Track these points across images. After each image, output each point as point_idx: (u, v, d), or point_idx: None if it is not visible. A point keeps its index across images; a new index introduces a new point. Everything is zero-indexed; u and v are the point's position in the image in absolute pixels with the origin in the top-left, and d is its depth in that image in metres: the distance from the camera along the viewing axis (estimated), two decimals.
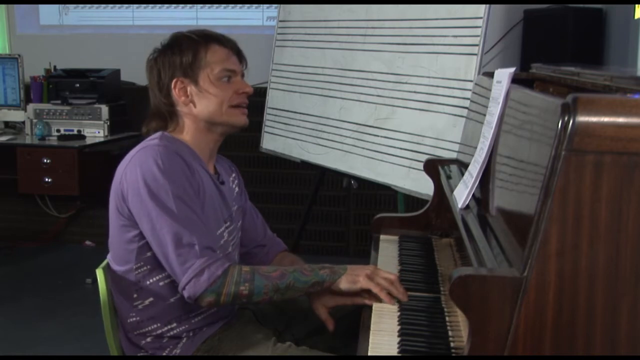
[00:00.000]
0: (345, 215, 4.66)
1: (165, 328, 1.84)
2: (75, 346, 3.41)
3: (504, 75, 1.63)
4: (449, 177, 2.08)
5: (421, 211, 2.27)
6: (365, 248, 2.34)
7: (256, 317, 2.01)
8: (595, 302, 1.13)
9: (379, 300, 1.71)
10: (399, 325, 1.57)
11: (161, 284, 1.81)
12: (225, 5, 4.99)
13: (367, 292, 1.74)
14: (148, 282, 1.82)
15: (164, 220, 1.69)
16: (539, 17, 4.06)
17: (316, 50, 3.56)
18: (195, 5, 5.02)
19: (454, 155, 2.39)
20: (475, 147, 1.74)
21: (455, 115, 2.74)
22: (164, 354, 1.84)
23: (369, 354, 1.46)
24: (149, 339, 1.85)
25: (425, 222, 2.25)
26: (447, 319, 1.59)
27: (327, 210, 4.66)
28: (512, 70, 1.62)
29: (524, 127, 1.38)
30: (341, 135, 3.35)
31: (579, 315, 1.14)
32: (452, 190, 1.86)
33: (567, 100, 1.13)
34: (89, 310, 3.73)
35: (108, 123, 4.42)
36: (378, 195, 4.49)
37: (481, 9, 2.72)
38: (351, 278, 1.73)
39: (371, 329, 1.57)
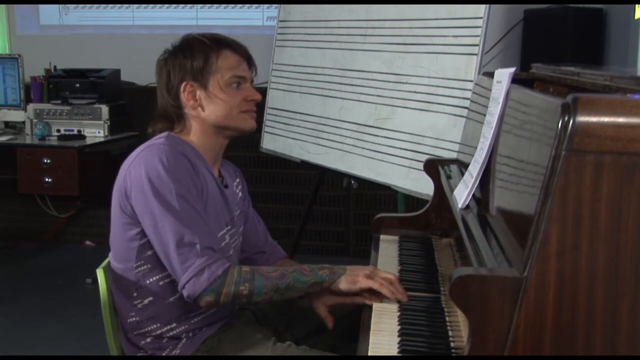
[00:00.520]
0: (345, 215, 4.66)
1: (165, 328, 1.84)
2: (75, 346, 3.41)
3: (504, 75, 1.63)
4: (449, 177, 2.08)
5: (421, 211, 2.27)
6: (365, 248, 2.34)
7: (256, 317, 2.01)
8: (595, 302, 1.13)
9: (379, 300, 1.71)
10: (399, 325, 1.57)
11: (161, 283, 1.81)
12: (225, 5, 4.99)
13: (367, 292, 1.74)
14: (148, 281, 1.82)
15: (166, 219, 1.69)
16: (539, 17, 4.06)
17: (316, 50, 3.56)
18: (195, 5, 5.01)
19: (454, 155, 2.39)
20: (476, 147, 1.74)
21: (456, 115, 2.74)
22: (164, 355, 1.84)
23: (369, 354, 1.46)
24: (148, 340, 1.85)
25: (425, 222, 2.25)
26: (447, 319, 1.59)
27: (327, 210, 4.66)
28: (512, 70, 1.62)
29: (524, 127, 1.38)
30: (341, 135, 3.35)
31: (579, 315, 1.14)
32: (452, 190, 1.86)
33: (567, 100, 1.13)
34: (89, 310, 3.73)
35: (108, 123, 4.42)
36: (378, 195, 4.49)
37: (481, 9, 2.72)
38: (351, 278, 1.73)
39: (371, 329, 1.57)
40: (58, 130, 4.44)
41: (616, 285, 1.12)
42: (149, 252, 1.78)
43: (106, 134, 4.43)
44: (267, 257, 2.11)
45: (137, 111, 4.77)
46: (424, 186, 2.64)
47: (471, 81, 2.67)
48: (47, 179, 4.15)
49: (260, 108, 3.93)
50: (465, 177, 1.79)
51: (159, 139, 1.83)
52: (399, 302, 1.69)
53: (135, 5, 5.11)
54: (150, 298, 1.83)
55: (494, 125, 1.61)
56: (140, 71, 4.81)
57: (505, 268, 1.24)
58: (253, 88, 1.92)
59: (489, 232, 1.48)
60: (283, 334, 1.97)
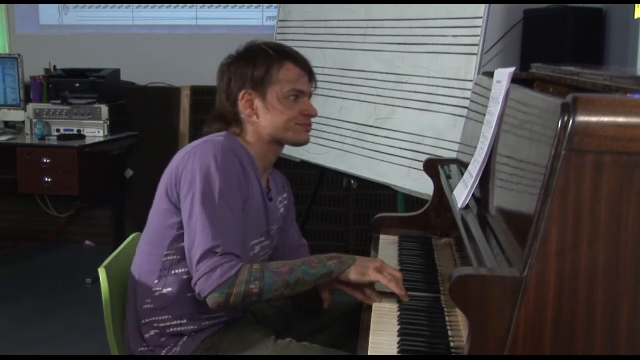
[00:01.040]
0: (345, 215, 4.66)
1: (174, 322, 1.85)
2: (75, 346, 3.41)
3: (504, 75, 1.63)
4: (449, 177, 2.08)
5: (421, 211, 2.27)
6: (366, 248, 2.34)
7: (256, 318, 2.01)
8: (596, 302, 1.13)
9: (379, 299, 1.71)
10: (399, 325, 1.57)
11: (185, 277, 1.82)
12: (225, 5, 4.99)
13: (369, 288, 1.74)
14: (173, 272, 1.83)
15: (200, 215, 1.71)
16: (539, 17, 4.05)
17: (316, 50, 3.56)
18: (195, 5, 5.01)
19: (454, 155, 2.39)
20: (475, 147, 1.74)
21: (455, 115, 2.74)
22: (163, 353, 1.84)
23: (369, 353, 1.46)
24: (152, 333, 1.85)
25: (425, 222, 2.25)
26: (447, 318, 1.59)
27: (327, 210, 4.66)
28: (512, 70, 1.62)
29: (524, 127, 1.38)
30: (341, 135, 3.35)
31: (579, 315, 1.14)
32: (452, 190, 1.87)
33: (567, 100, 1.13)
34: (89, 310, 3.74)
35: (108, 123, 4.42)
36: (378, 195, 4.49)
37: (481, 9, 2.72)
38: (360, 270, 1.74)
39: (371, 328, 1.57)
40: (58, 130, 4.44)
41: (616, 285, 1.12)
42: (182, 244, 1.79)
43: (106, 133, 4.42)
44: (296, 256, 2.10)
45: (137, 111, 4.78)
46: (424, 186, 2.64)
47: (471, 81, 2.67)
48: (47, 179, 4.15)
49: None
50: (465, 177, 1.80)
51: (219, 136, 1.85)
52: (399, 302, 1.69)
53: (135, 5, 5.10)
54: (170, 289, 1.84)
55: (493, 125, 1.61)
56: (140, 71, 4.83)
57: (505, 268, 1.24)
58: (311, 103, 1.94)
59: (488, 232, 1.48)
60: (283, 334, 1.97)
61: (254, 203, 1.86)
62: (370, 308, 1.69)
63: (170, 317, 1.85)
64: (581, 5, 3.98)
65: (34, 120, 4.45)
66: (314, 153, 3.51)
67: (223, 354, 1.82)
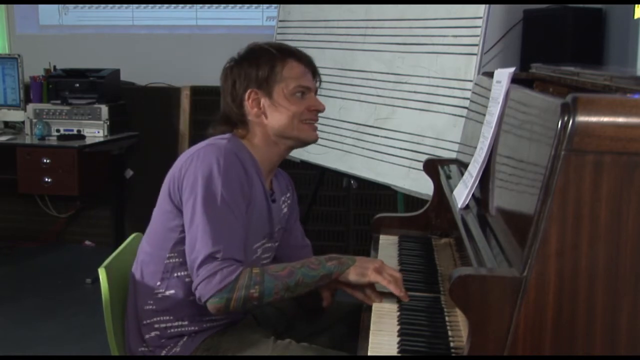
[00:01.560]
0: (345, 215, 4.66)
1: (176, 323, 1.85)
2: (74, 346, 3.41)
3: (503, 75, 1.63)
4: (448, 177, 2.08)
5: (421, 211, 2.27)
6: (365, 248, 2.34)
7: (257, 319, 2.01)
8: (595, 302, 1.13)
9: (379, 300, 1.71)
10: (398, 325, 1.57)
11: (187, 279, 1.82)
12: (225, 5, 4.99)
13: (369, 288, 1.74)
14: (175, 274, 1.83)
15: (202, 219, 1.71)
16: (538, 17, 4.05)
17: (316, 50, 3.55)
18: (195, 5, 5.01)
19: (453, 155, 2.39)
20: (475, 147, 1.74)
21: (455, 115, 2.74)
22: (163, 354, 1.84)
23: (369, 353, 1.46)
24: (153, 334, 1.85)
25: (425, 222, 2.25)
26: (446, 318, 1.59)
27: (327, 210, 4.66)
28: (511, 70, 1.62)
29: (524, 127, 1.38)
30: (341, 135, 3.35)
31: (578, 315, 1.14)
32: (451, 190, 1.87)
33: (567, 100, 1.13)
34: (89, 310, 3.74)
35: (108, 123, 4.42)
36: (378, 195, 4.49)
37: (481, 9, 2.72)
38: (360, 271, 1.74)
39: (371, 328, 1.57)
40: (58, 130, 4.44)
41: (616, 285, 1.12)
42: (184, 247, 1.79)
43: (106, 133, 4.42)
44: (299, 256, 2.10)
45: (137, 111, 4.77)
46: (423, 186, 2.64)
47: (471, 81, 2.67)
48: (46, 179, 4.15)
49: None
50: (464, 177, 1.80)
51: (222, 139, 1.84)
52: (398, 302, 1.69)
53: (135, 5, 5.10)
54: (172, 291, 1.84)
55: (493, 125, 1.61)
56: (140, 71, 4.83)
57: (505, 268, 1.24)
58: (317, 98, 1.94)
59: (488, 232, 1.48)
60: (283, 335, 1.97)
61: (257, 206, 1.85)
62: (370, 308, 1.69)
63: (171, 318, 1.85)
64: (581, 5, 3.98)
65: (34, 120, 4.45)
66: (313, 153, 3.51)
67: (222, 354, 1.82)
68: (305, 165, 3.66)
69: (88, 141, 4.31)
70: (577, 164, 1.12)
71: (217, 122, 1.95)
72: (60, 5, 5.21)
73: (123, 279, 1.95)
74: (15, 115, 4.63)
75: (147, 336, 1.86)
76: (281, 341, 1.82)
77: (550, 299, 1.14)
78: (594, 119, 1.11)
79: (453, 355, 1.43)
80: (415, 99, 2.96)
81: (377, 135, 3.13)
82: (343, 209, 4.66)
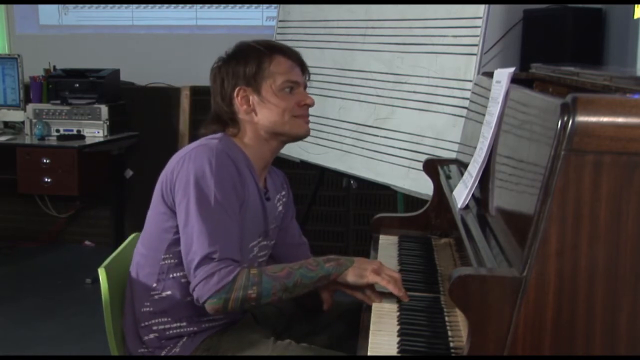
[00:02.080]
0: (345, 215, 4.66)
1: (174, 325, 1.85)
2: (74, 346, 3.41)
3: (503, 75, 1.63)
4: (448, 177, 2.08)
5: (421, 211, 2.27)
6: (365, 248, 2.34)
7: (255, 318, 2.01)
8: (595, 301, 1.13)
9: (379, 299, 1.71)
10: (398, 325, 1.57)
11: (183, 280, 1.82)
12: (225, 5, 4.99)
13: (369, 288, 1.74)
14: (171, 275, 1.83)
15: (196, 220, 1.71)
16: (538, 17, 4.06)
17: (316, 50, 3.56)
18: (195, 5, 5.01)
19: (453, 155, 2.39)
20: (475, 147, 1.74)
21: (455, 115, 2.74)
22: (163, 354, 1.84)
23: (369, 354, 1.46)
24: (152, 336, 1.85)
25: (425, 222, 2.25)
26: (446, 319, 1.59)
27: (327, 210, 4.66)
28: (511, 70, 1.62)
29: (524, 127, 1.38)
30: (340, 135, 3.35)
31: (578, 315, 1.14)
32: (451, 190, 1.86)
33: (567, 100, 1.13)
34: (89, 310, 3.74)
35: (107, 123, 4.42)
36: (377, 195, 4.49)
37: (481, 9, 2.72)
38: (358, 272, 1.74)
39: (371, 328, 1.57)
40: (57, 130, 4.44)
41: (616, 285, 1.12)
42: (179, 248, 1.79)
43: (105, 134, 4.42)
44: (296, 254, 2.10)
45: (137, 111, 4.77)
46: (423, 186, 2.64)
47: (470, 81, 2.67)
48: (46, 179, 4.15)
49: None
50: (464, 177, 1.80)
51: (214, 139, 1.84)
52: (398, 302, 1.69)
53: (135, 5, 5.11)
54: (169, 292, 1.84)
55: (493, 125, 1.61)
56: (140, 71, 4.83)
57: (505, 268, 1.24)
58: (306, 93, 1.94)
59: (488, 232, 1.48)
60: (282, 335, 1.97)
61: (251, 205, 1.85)
62: (369, 308, 1.69)
63: (169, 319, 1.85)
64: (581, 5, 3.98)
65: (34, 121, 4.45)
66: (313, 153, 3.51)
67: (222, 354, 1.82)
68: (305, 165, 3.66)
69: (88, 141, 4.31)
70: (576, 164, 1.12)
71: (208, 122, 1.95)
72: (60, 5, 5.21)
73: (123, 279, 1.95)
74: (15, 115, 4.63)
75: (145, 338, 1.86)
76: (281, 342, 1.82)
77: (550, 299, 1.14)
78: (593, 119, 1.11)
79: (453, 355, 1.43)
80: (414, 99, 2.96)
81: (377, 135, 3.13)
82: (343, 209, 4.66)
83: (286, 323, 2.04)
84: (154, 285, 1.85)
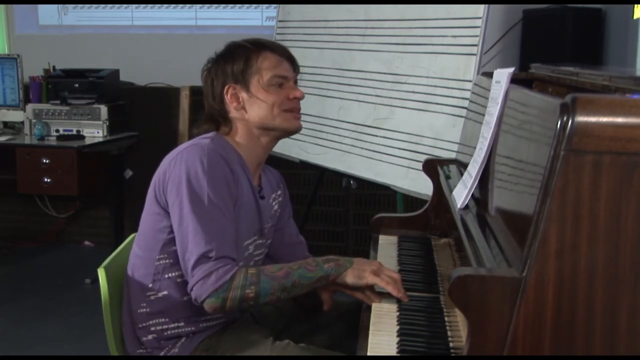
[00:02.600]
0: (345, 216, 4.66)
1: (172, 325, 1.84)
2: (74, 346, 3.41)
3: (503, 75, 1.63)
4: (448, 177, 2.08)
5: (420, 211, 2.26)
6: (365, 248, 2.34)
7: (254, 318, 2.01)
8: (595, 302, 1.13)
9: (378, 299, 1.71)
10: (398, 325, 1.57)
11: (179, 280, 1.82)
12: (224, 5, 4.99)
13: (369, 289, 1.74)
14: (166, 275, 1.83)
15: (191, 219, 1.71)
16: (538, 17, 4.05)
17: (315, 50, 3.56)
18: (194, 5, 5.01)
19: (453, 156, 2.39)
20: (475, 147, 1.74)
21: (454, 115, 2.74)
22: (162, 354, 1.84)
23: (368, 354, 1.46)
24: (150, 337, 1.85)
25: (425, 222, 2.25)
26: (446, 319, 1.59)
27: (326, 211, 4.66)
28: (511, 70, 1.62)
29: (523, 127, 1.38)
30: (340, 135, 3.35)
31: (578, 315, 1.14)
32: (451, 191, 1.86)
33: (566, 100, 1.13)
34: (88, 310, 3.74)
35: (107, 123, 4.42)
36: (377, 195, 4.49)
37: (480, 9, 2.72)
38: (357, 273, 1.74)
39: (370, 329, 1.57)
40: (57, 131, 4.44)
41: (615, 285, 1.12)
42: (174, 247, 1.79)
43: (105, 134, 4.42)
44: (294, 253, 2.10)
45: (136, 111, 4.77)
46: (423, 186, 2.64)
47: (470, 81, 2.66)
48: (46, 179, 4.15)
49: None
50: (464, 177, 1.79)
51: (205, 138, 1.84)
52: (398, 302, 1.69)
53: (134, 6, 5.11)
54: (165, 292, 1.84)
55: (492, 125, 1.61)
56: (140, 71, 4.82)
57: (504, 268, 1.24)
58: (296, 87, 1.94)
59: (488, 232, 1.48)
60: (281, 334, 1.97)
61: (245, 203, 1.85)
62: (369, 308, 1.69)
63: (167, 320, 1.84)
64: (580, 5, 3.98)
65: (33, 121, 4.45)
66: (312, 153, 3.51)
67: (221, 354, 1.82)
68: (305, 165, 3.66)
69: (87, 141, 4.31)
70: (576, 164, 1.12)
71: (200, 122, 1.95)
72: (59, 5, 5.21)
73: (122, 279, 1.95)
74: (14, 116, 4.63)
75: (144, 339, 1.86)
76: (280, 342, 1.82)
77: (549, 299, 1.14)
78: (593, 119, 1.11)
79: (452, 355, 1.43)
80: (414, 99, 2.96)
81: (376, 136, 3.13)
82: (342, 209, 4.66)
83: (285, 323, 2.04)
84: (150, 285, 1.85)
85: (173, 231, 1.78)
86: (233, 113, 1.90)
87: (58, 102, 4.45)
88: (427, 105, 2.89)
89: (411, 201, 3.13)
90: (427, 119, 2.88)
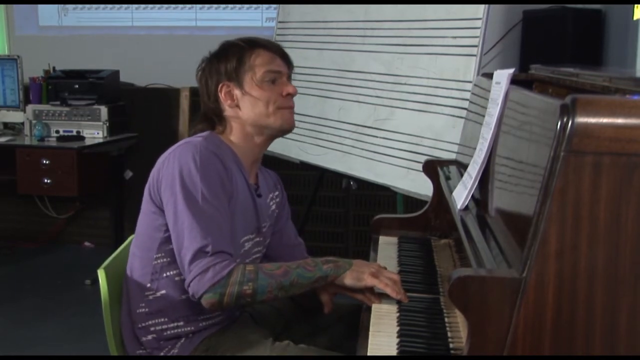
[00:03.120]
0: (345, 216, 4.66)
1: (171, 325, 1.84)
2: (73, 347, 3.41)
3: (503, 76, 1.63)
4: (448, 178, 2.08)
5: (420, 212, 2.27)
6: (365, 249, 2.34)
7: (254, 319, 2.01)
8: (595, 302, 1.13)
9: (378, 300, 1.71)
10: (398, 326, 1.57)
11: (176, 279, 1.82)
12: (224, 6, 4.99)
13: (368, 290, 1.74)
14: (164, 274, 1.83)
15: (186, 216, 1.71)
16: (538, 17, 4.05)
17: (315, 50, 3.56)
18: (195, 6, 5.01)
19: (453, 156, 2.39)
20: (474, 148, 1.74)
21: (454, 116, 2.74)
22: (162, 354, 1.84)
23: (368, 354, 1.46)
24: (149, 337, 1.85)
25: (425, 223, 2.25)
26: (446, 319, 1.59)
27: (326, 211, 4.66)
28: (511, 71, 1.62)
29: (523, 128, 1.38)
30: (340, 136, 3.35)
31: (578, 316, 1.14)
32: (451, 191, 1.86)
33: (566, 101, 1.13)
34: (88, 311, 3.74)
35: (107, 124, 4.42)
36: (377, 196, 4.48)
37: (480, 10, 2.72)
38: (356, 275, 1.74)
39: (370, 329, 1.57)
40: (57, 131, 4.44)
41: (615, 286, 1.12)
42: (171, 246, 1.79)
43: (105, 135, 4.42)
44: (293, 255, 2.10)
45: (136, 112, 4.77)
46: (423, 187, 2.64)
47: (470, 82, 2.66)
48: (46, 180, 4.15)
49: None
50: (464, 178, 1.80)
51: (198, 137, 1.85)
52: (398, 303, 1.69)
53: (134, 7, 5.11)
54: (164, 291, 1.84)
55: (492, 126, 1.61)
56: (140, 72, 4.82)
57: (504, 269, 1.24)
58: (289, 83, 1.94)
59: (488, 233, 1.48)
60: (281, 335, 1.97)
61: (241, 199, 1.85)
62: (369, 309, 1.69)
63: (166, 319, 1.85)
64: (580, 6, 3.98)
65: (33, 122, 4.45)
66: (313, 154, 3.51)
67: (221, 354, 1.82)
68: (305, 166, 3.66)
69: (87, 142, 4.31)
70: (576, 165, 1.12)
71: (196, 122, 1.97)
72: (59, 6, 5.21)
73: (122, 280, 1.95)
74: (14, 116, 4.63)
75: (143, 339, 1.86)
76: (279, 343, 1.82)
77: (549, 299, 1.14)
78: (593, 120, 1.11)
79: (452, 356, 1.43)
80: (414, 99, 2.96)
81: (376, 136, 3.13)
82: (342, 210, 4.66)
83: (285, 324, 2.04)
84: (148, 285, 1.85)
85: (169, 230, 1.78)
86: (227, 111, 1.91)
87: (58, 103, 4.45)
88: (427, 106, 2.90)
89: (411, 202, 3.13)
90: (427, 119, 2.88)
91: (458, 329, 1.53)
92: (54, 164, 4.13)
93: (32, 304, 3.99)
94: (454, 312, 1.60)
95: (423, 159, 2.41)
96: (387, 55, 3.13)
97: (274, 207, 2.04)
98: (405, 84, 3.01)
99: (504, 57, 4.26)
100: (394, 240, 2.20)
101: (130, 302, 1.88)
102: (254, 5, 4.93)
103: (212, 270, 1.66)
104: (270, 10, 4.82)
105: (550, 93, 1.82)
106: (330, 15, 3.51)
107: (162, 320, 1.85)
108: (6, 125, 4.70)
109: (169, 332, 1.85)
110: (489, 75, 1.80)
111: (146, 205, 1.87)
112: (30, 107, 4.50)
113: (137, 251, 1.89)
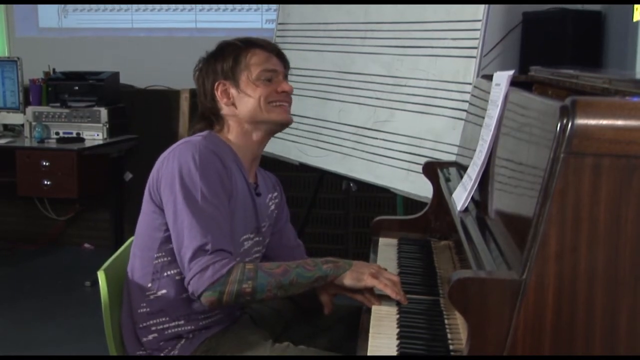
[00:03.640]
0: (345, 218, 4.66)
1: (172, 324, 1.85)
2: (73, 348, 3.41)
3: (502, 78, 1.64)
4: (448, 180, 2.08)
5: (420, 214, 2.27)
6: (365, 251, 2.34)
7: (254, 320, 2.01)
8: (595, 304, 1.13)
9: (378, 302, 1.71)
10: (397, 327, 1.57)
11: (177, 278, 1.82)
12: (224, 7, 4.99)
13: (368, 291, 1.74)
14: (165, 274, 1.84)
15: (185, 215, 1.72)
16: (538, 19, 4.05)
17: (315, 52, 3.56)
18: (195, 8, 5.01)
19: (452, 158, 2.39)
20: (474, 150, 1.74)
21: (454, 118, 2.74)
22: (162, 355, 1.84)
23: (368, 356, 1.46)
24: (150, 337, 1.85)
25: (424, 224, 2.25)
26: (446, 321, 1.59)
27: (326, 213, 4.66)
28: (510, 72, 1.62)
29: (523, 130, 1.38)
30: (340, 138, 3.35)
31: (578, 318, 1.14)
32: (451, 193, 1.86)
33: (566, 102, 1.13)
34: (88, 312, 3.73)
35: (107, 126, 4.42)
36: (377, 197, 4.49)
37: (480, 11, 2.72)
38: (356, 275, 1.74)
39: (370, 331, 1.57)
40: (57, 133, 4.44)
41: (615, 288, 1.12)
42: (171, 245, 1.79)
43: (105, 136, 4.42)
44: (292, 256, 2.10)
45: (136, 114, 4.77)
46: (422, 189, 2.64)
47: (470, 84, 2.67)
48: (46, 182, 4.15)
49: None
50: (464, 179, 1.80)
51: (198, 136, 1.87)
52: (398, 304, 1.69)
53: (135, 8, 5.11)
54: (164, 291, 1.84)
55: (492, 128, 1.61)
56: (140, 74, 4.83)
57: (504, 271, 1.24)
58: (285, 81, 1.95)
59: (487, 234, 1.48)
60: (280, 337, 1.97)
61: (240, 198, 1.86)
62: (369, 310, 1.69)
63: (167, 319, 1.85)
64: (580, 8, 3.98)
65: (33, 123, 4.45)
66: (312, 155, 3.51)
67: (221, 355, 1.82)
68: (305, 167, 3.66)
69: (87, 144, 4.31)
70: (576, 167, 1.12)
71: (194, 122, 1.99)
72: (59, 8, 5.22)
73: (122, 281, 1.95)
74: (14, 118, 4.63)
75: (144, 339, 1.86)
76: (279, 344, 1.82)
77: (549, 301, 1.14)
78: (592, 121, 1.11)
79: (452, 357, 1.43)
80: (414, 101, 2.96)
81: (376, 138, 3.13)
82: (342, 211, 4.66)
83: (285, 325, 2.04)
84: (149, 285, 1.85)
85: (169, 229, 1.78)
86: (224, 110, 1.93)
87: (58, 104, 4.45)
88: (427, 107, 2.90)
89: (411, 204, 3.13)
90: (427, 121, 2.88)
91: (458, 331, 1.53)
92: (54, 165, 4.14)
93: (32, 305, 3.99)
94: (454, 313, 1.60)
95: (423, 160, 2.41)
96: (387, 57, 3.13)
97: (273, 207, 2.05)
98: (405, 85, 3.01)
99: (504, 59, 4.27)
100: (394, 242, 2.20)
101: (131, 303, 1.89)
102: (254, 7, 4.94)
103: (212, 269, 1.66)
104: (270, 12, 4.82)
105: (550, 95, 1.82)
106: (330, 17, 3.51)
107: (163, 319, 1.85)
108: (6, 127, 4.71)
109: (170, 331, 1.85)
110: (489, 77, 1.80)
111: (146, 205, 1.87)
112: (30, 109, 4.50)
113: (138, 251, 1.89)
